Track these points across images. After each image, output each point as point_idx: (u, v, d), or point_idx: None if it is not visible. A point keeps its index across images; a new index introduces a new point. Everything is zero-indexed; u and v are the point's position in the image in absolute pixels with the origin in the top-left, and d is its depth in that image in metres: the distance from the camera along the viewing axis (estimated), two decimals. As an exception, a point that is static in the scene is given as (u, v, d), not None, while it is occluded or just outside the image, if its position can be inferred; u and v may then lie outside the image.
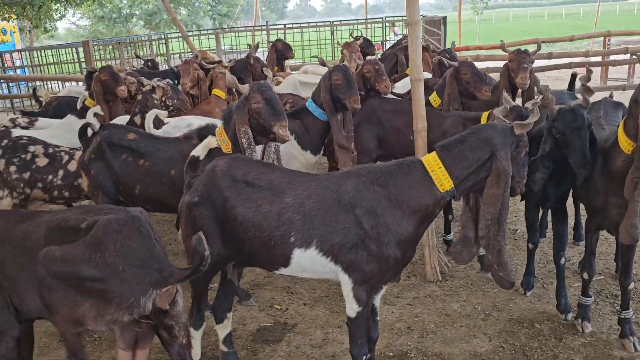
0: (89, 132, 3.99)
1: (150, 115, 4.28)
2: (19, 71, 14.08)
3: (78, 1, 13.94)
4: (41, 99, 7.01)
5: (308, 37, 13.00)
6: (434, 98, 4.63)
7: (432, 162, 2.56)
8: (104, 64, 10.70)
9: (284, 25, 14.96)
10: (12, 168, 4.23)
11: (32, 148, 4.29)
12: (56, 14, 16.37)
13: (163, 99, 4.78)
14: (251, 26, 15.06)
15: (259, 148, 3.67)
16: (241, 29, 15.04)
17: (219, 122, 3.74)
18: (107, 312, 2.22)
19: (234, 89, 3.72)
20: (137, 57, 9.98)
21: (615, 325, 3.51)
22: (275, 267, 2.76)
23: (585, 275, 3.47)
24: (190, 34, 13.41)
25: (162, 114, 4.36)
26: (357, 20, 15.15)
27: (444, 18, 9.48)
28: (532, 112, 2.68)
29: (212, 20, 31.38)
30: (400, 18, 13.10)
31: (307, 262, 2.64)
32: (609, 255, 4.50)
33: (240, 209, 2.66)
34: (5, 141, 4.33)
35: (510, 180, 2.52)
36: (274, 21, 65.92)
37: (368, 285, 2.63)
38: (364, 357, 2.80)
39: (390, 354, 3.42)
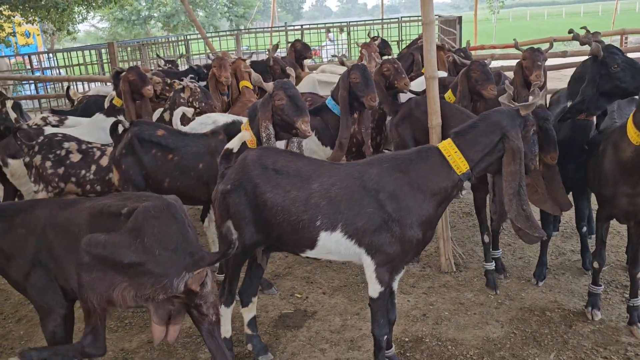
0: (120, 128, 4.24)
1: (178, 113, 4.50)
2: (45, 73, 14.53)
3: (100, 3, 14.22)
4: (73, 98, 7.28)
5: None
6: (449, 96, 4.78)
7: (448, 147, 2.75)
8: (126, 65, 11.00)
9: (301, 26, 15.14)
10: (48, 163, 4.47)
11: (66, 144, 4.53)
12: (78, 17, 16.77)
13: (190, 99, 5.00)
14: (269, 27, 15.26)
15: (281, 144, 3.86)
16: (259, 30, 15.28)
17: (244, 119, 3.95)
18: (143, 292, 2.40)
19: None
20: (159, 57, 10.24)
21: (624, 314, 3.64)
22: (302, 250, 2.94)
23: (596, 265, 3.60)
24: (209, 35, 13.68)
25: (189, 111, 4.58)
26: (372, 20, 15.29)
27: (460, 18, 9.60)
28: (534, 92, 2.86)
29: (229, 22, 31.73)
30: (416, 18, 13.23)
31: (333, 244, 2.83)
32: (620, 247, 4.62)
33: (269, 194, 2.86)
34: (41, 138, 4.59)
35: (523, 156, 2.72)
36: (290, 22, 66.30)
37: (390, 266, 2.81)
38: (385, 337, 2.98)
39: (407, 339, 3.58)
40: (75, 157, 4.50)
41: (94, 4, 14.39)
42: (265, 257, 3.25)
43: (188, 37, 14.19)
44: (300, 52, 7.28)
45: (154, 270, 2.36)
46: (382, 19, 15.32)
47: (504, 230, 5.10)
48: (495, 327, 3.65)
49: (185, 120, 4.63)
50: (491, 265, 4.14)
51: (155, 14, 30.53)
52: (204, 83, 5.91)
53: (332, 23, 14.42)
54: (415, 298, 4.06)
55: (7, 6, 13.12)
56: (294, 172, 2.87)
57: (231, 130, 3.89)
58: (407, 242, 2.72)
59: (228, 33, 15.21)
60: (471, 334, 3.59)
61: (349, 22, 13.96)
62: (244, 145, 3.68)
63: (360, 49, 6.21)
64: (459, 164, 2.70)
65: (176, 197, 2.63)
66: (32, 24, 15.89)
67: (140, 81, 5.28)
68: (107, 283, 2.44)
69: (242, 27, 30.73)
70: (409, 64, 6.82)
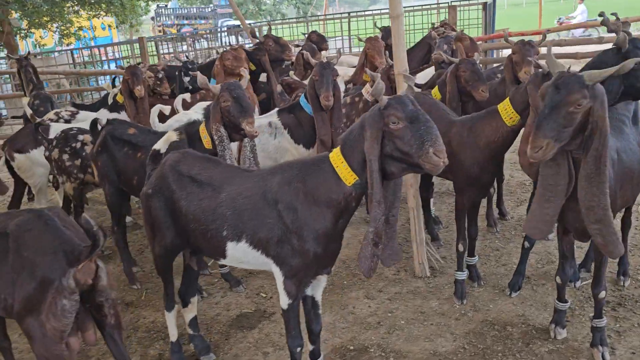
0: (99, 126, 4.39)
1: (155, 111, 4.58)
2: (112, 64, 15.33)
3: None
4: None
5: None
6: (435, 93, 4.53)
7: (336, 158, 2.53)
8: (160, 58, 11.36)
9: (348, 13, 14.84)
10: (65, 156, 4.70)
11: (80, 137, 4.74)
12: (141, 10, 17.47)
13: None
14: (322, 15, 15.11)
15: (234, 145, 3.83)
16: (292, 20, 15.24)
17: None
18: (48, 299, 2.48)
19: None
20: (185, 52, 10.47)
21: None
22: (217, 258, 2.94)
23: (558, 280, 3.31)
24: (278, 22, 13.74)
25: (166, 109, 4.65)
26: (422, 6, 14.60)
27: (485, 3, 9.02)
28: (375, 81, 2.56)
29: (296, 9, 31.88)
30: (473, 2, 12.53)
31: (241, 254, 2.78)
32: (610, 262, 4.21)
33: (183, 202, 2.86)
34: (58, 133, 4.83)
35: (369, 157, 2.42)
36: (366, 6, 65.30)
37: (296, 278, 2.72)
38: (299, 349, 2.91)
39: (351, 347, 3.48)
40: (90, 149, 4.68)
41: (151, -2, 14.97)
42: (195, 258, 3.25)
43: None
44: (316, 43, 7.16)
45: (41, 276, 2.44)
46: (438, 3, 14.73)
47: (496, 234, 4.81)
48: (447, 340, 3.45)
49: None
50: (462, 275, 3.91)
51: (223, 2, 31.17)
52: (187, 79, 6.01)
53: (380, 10, 13.99)
54: (377, 304, 3.92)
55: (75, 1, 13.96)
56: (206, 180, 2.84)
57: (190, 129, 3.91)
58: (305, 255, 2.61)
59: (262, 22, 15.26)
60: (419, 346, 3.42)
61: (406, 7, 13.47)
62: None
63: (365, 47, 5.89)
64: (346, 175, 2.52)
65: (55, 206, 2.71)
66: (98, 18, 16.77)
67: (133, 81, 5.40)
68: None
69: (309, 14, 30.80)
70: (424, 52, 6.54)
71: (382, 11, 14.05)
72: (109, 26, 23.37)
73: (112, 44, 13.81)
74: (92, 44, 19.78)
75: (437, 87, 4.59)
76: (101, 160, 4.28)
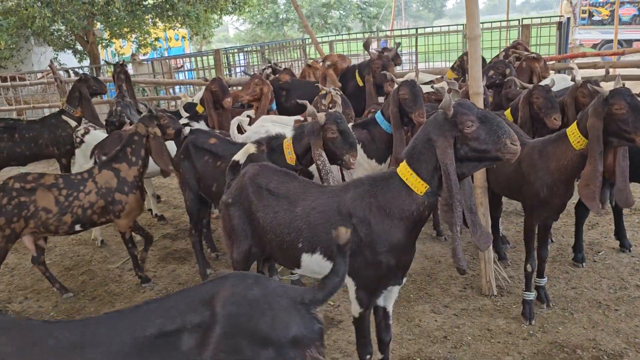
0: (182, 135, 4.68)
1: (234, 122, 4.84)
2: (185, 74, 16.06)
3: (230, 10, 15.33)
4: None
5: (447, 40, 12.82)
6: (507, 116, 4.54)
7: (404, 171, 2.64)
8: (237, 69, 11.76)
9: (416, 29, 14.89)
10: None
11: None
12: (214, 23, 18.22)
13: (330, 105, 4.89)
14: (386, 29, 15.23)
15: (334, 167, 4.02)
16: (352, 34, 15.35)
17: (289, 132, 4.16)
18: None
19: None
20: (269, 62, 10.81)
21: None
22: (291, 267, 3.10)
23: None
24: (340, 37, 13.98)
25: (245, 121, 4.89)
26: (499, 21, 14.44)
27: (560, 23, 8.83)
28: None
29: (362, 23, 32.12)
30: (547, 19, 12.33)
31: (315, 265, 2.93)
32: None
33: (261, 213, 3.04)
34: None
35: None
36: (431, 21, 64.81)
37: (368, 289, 2.84)
38: (368, 357, 3.03)
39: (418, 359, 3.55)
40: None
41: (225, 10, 15.57)
42: (267, 265, 3.43)
43: (306, 41, 14.72)
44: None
45: None
46: (508, 20, 14.55)
47: (563, 258, 4.74)
48: (515, 359, 3.46)
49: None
50: (530, 296, 3.90)
51: (292, 16, 31.85)
52: None
53: (449, 26, 13.96)
54: (444, 318, 3.97)
55: (154, 14, 14.75)
56: (283, 193, 3.01)
57: (273, 143, 4.11)
58: (378, 267, 2.73)
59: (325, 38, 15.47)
60: (486, 363, 3.46)
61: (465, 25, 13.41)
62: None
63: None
64: (417, 185, 2.61)
65: None
66: (174, 30, 17.61)
67: (221, 92, 5.73)
68: None
69: (374, 28, 30.95)
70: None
71: (451, 28, 14.07)
72: (183, 37, 24.51)
73: (188, 55, 14.43)
74: (166, 54, 20.78)
75: (509, 110, 4.61)
76: (183, 167, 4.57)
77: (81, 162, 6.15)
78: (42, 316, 4.49)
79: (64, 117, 6.59)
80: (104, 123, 7.00)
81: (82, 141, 6.14)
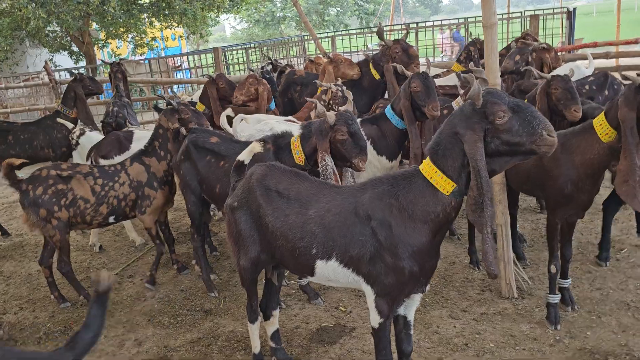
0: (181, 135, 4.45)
1: (235, 119, 4.61)
2: (183, 73, 15.83)
3: (227, 8, 15.09)
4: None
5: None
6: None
7: (428, 168, 2.43)
8: (235, 67, 11.52)
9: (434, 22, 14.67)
10: None
11: None
12: (211, 22, 17.96)
13: (330, 102, 4.63)
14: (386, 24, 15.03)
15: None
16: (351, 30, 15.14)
17: (296, 129, 3.93)
18: None
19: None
20: (269, 58, 10.59)
21: None
22: (304, 275, 2.87)
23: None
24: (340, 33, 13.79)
25: (246, 118, 4.68)
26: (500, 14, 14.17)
27: (571, 12, 8.60)
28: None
29: (359, 20, 31.88)
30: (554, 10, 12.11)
31: (330, 272, 2.71)
32: None
33: (270, 217, 2.81)
34: None
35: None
36: (427, 17, 64.59)
37: (389, 297, 2.62)
38: (389, 368, 2.80)
39: (439, 369, 3.33)
40: None
41: (222, 9, 15.33)
42: (276, 272, 3.20)
43: (305, 37, 14.50)
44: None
45: None
46: (510, 13, 14.31)
47: (584, 256, 4.52)
48: (543, 367, 3.25)
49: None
50: (555, 298, 3.68)
51: (289, 14, 31.62)
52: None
53: (449, 19, 13.79)
54: (463, 324, 3.75)
55: (150, 13, 14.50)
56: (294, 195, 2.78)
57: (280, 141, 3.88)
58: (400, 273, 2.50)
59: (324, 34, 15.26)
60: (512, 372, 3.24)
61: (467, 18, 13.24)
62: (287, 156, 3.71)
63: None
64: (443, 184, 2.39)
65: None
66: (171, 29, 17.36)
67: (229, 88, 5.53)
68: None
69: (372, 24, 30.71)
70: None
71: (443, 22, 13.88)
72: (180, 37, 24.24)
73: (187, 53, 14.19)
74: (163, 53, 20.53)
75: (525, 101, 4.37)
76: (183, 169, 4.34)
77: (78, 164, 5.92)
78: (38, 328, 4.26)
79: (59, 120, 6.35)
80: (100, 124, 6.75)
81: (77, 143, 5.92)
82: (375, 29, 17.03)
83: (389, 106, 4.34)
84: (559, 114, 4.04)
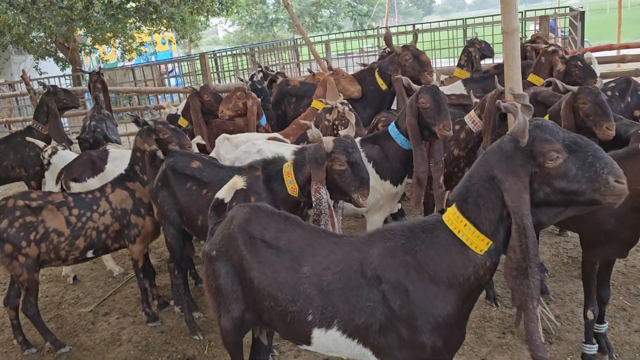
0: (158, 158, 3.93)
1: (220, 141, 4.09)
2: (173, 81, 15.29)
3: (216, 11, 14.56)
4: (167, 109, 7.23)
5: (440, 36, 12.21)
6: (545, 120, 3.81)
7: (453, 219, 1.93)
8: (226, 74, 10.99)
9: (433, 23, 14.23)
10: None
11: None
12: (200, 25, 17.42)
13: (336, 122, 4.10)
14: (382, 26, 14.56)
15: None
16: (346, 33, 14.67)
17: (289, 155, 3.41)
18: None
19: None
20: (259, 66, 10.09)
21: None
22: (299, 343, 2.35)
23: None
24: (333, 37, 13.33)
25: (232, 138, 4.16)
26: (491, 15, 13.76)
27: (582, 13, 8.14)
28: None
29: (353, 21, 31.40)
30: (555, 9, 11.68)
31: (331, 343, 2.20)
32: None
33: (256, 272, 2.30)
34: None
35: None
36: (420, 17, 64.27)
37: (405, 375, 2.10)
38: None
39: None
40: None
41: (211, 12, 14.80)
42: (265, 331, 2.68)
43: (298, 41, 14.01)
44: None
45: None
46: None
47: (615, 289, 4.02)
48: None
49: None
50: (592, 349, 3.18)
51: (282, 16, 31.09)
52: None
53: (447, 21, 13.33)
54: (484, 377, 3.25)
55: (137, 17, 13.97)
56: (284, 246, 2.27)
57: (270, 169, 3.37)
58: (419, 349, 2.00)
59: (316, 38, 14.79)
60: None
61: (466, 18, 12.77)
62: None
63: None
64: (476, 241, 1.89)
65: None
66: (159, 33, 16.82)
67: (215, 101, 5.03)
68: None
69: (366, 26, 30.28)
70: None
71: (441, 24, 13.40)
72: (169, 41, 23.67)
73: (172, 60, 13.67)
74: (153, 59, 19.98)
75: (547, 116, 3.87)
76: (161, 197, 3.81)
77: (51, 185, 5.39)
78: (-4, 382, 3.73)
79: (28, 139, 5.81)
80: (76, 140, 6.22)
81: (49, 163, 5.38)
82: (369, 32, 16.59)
83: (392, 123, 3.82)
84: (588, 131, 3.52)
